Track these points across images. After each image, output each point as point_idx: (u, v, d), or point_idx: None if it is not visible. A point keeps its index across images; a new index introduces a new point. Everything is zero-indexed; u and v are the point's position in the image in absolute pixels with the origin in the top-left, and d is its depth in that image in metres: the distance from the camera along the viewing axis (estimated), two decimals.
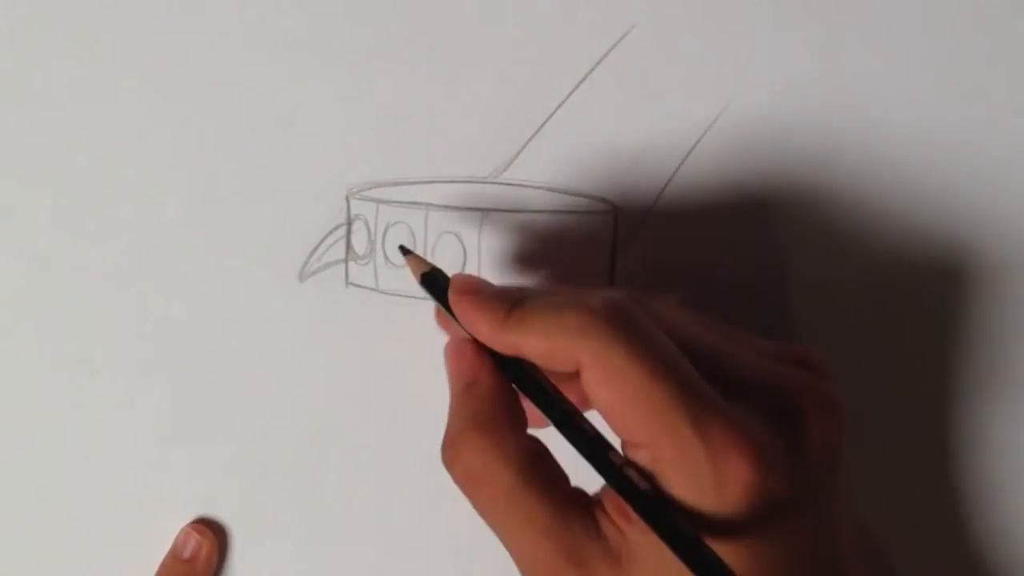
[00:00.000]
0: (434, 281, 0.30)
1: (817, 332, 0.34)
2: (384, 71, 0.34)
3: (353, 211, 0.35)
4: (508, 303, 0.28)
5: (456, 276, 0.30)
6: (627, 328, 0.26)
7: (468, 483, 0.28)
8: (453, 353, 0.30)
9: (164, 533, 0.35)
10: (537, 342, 0.27)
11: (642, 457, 0.26)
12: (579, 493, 0.28)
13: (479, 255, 0.34)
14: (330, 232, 0.35)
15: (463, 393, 0.29)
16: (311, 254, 0.35)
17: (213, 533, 0.35)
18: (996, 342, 0.34)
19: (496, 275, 0.34)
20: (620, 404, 0.26)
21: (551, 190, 0.34)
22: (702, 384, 0.26)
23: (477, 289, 0.29)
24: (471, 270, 0.34)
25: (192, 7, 0.35)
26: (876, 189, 0.34)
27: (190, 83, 0.35)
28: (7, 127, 0.35)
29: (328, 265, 0.35)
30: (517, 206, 0.34)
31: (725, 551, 0.25)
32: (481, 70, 0.34)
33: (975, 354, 0.34)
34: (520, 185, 0.34)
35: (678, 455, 0.25)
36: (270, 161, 0.35)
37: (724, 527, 0.25)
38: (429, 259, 0.34)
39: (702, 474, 0.25)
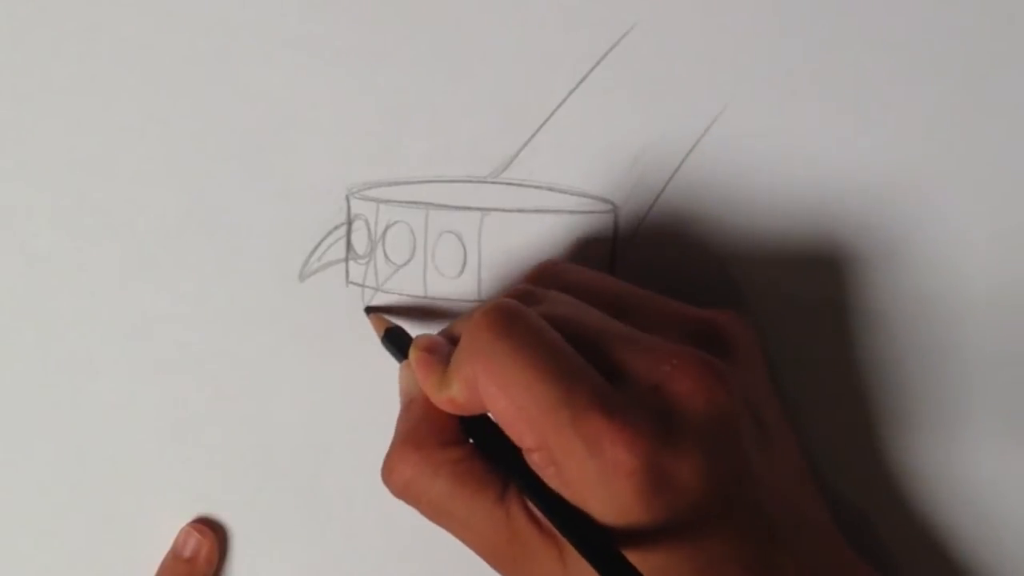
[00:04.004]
0: (396, 337, 0.32)
1: (816, 331, 0.34)
2: (384, 71, 0.34)
3: (353, 211, 0.35)
4: (447, 364, 0.29)
5: (419, 336, 0.31)
6: (507, 329, 0.27)
7: (405, 495, 0.30)
8: (404, 373, 0.32)
9: (164, 533, 0.35)
10: (459, 388, 0.28)
11: (537, 461, 0.27)
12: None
13: (479, 255, 0.34)
14: (330, 232, 0.35)
15: (403, 411, 0.31)
16: (311, 254, 0.35)
17: (213, 533, 0.35)
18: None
19: (496, 275, 0.34)
20: (510, 409, 0.27)
21: (551, 190, 0.34)
22: (587, 375, 0.27)
23: (433, 349, 0.30)
24: (471, 270, 0.34)
25: (192, 7, 0.35)
26: (878, 189, 0.34)
27: (190, 83, 0.35)
28: (7, 127, 0.35)
29: (328, 265, 0.35)
30: (517, 206, 0.34)
31: (646, 550, 0.26)
32: (481, 70, 0.34)
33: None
34: (520, 185, 0.34)
35: (565, 455, 0.26)
36: (270, 161, 0.35)
37: (631, 524, 0.26)
38: (429, 259, 0.34)
39: (588, 470, 0.26)
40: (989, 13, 0.34)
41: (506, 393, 0.27)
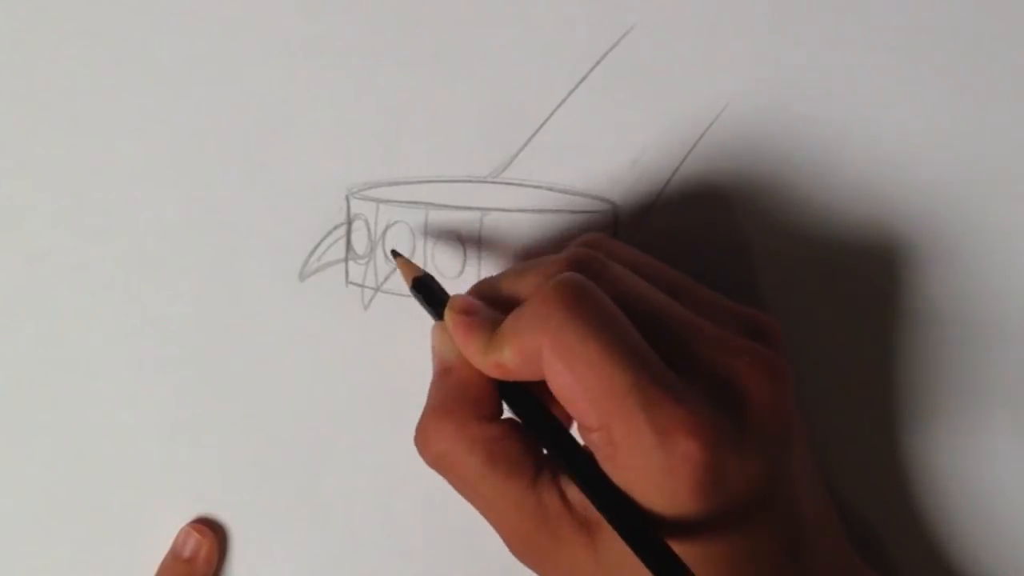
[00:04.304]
0: (424, 287, 0.31)
1: (817, 330, 0.34)
2: (384, 71, 0.34)
3: (353, 211, 0.35)
4: (491, 327, 0.28)
5: (454, 296, 0.30)
6: (580, 307, 0.26)
7: (438, 466, 0.29)
8: (438, 334, 0.30)
9: (164, 533, 0.35)
10: (512, 353, 0.27)
11: (596, 440, 0.27)
12: (548, 463, 0.29)
13: (479, 255, 0.34)
14: (330, 232, 0.35)
15: (439, 377, 0.30)
16: (311, 254, 0.35)
17: (213, 533, 0.35)
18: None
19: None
20: (576, 387, 0.26)
21: (551, 190, 0.34)
22: (654, 362, 0.26)
23: (472, 311, 0.29)
24: (471, 270, 0.34)
25: (192, 7, 0.35)
26: (878, 188, 0.34)
27: (190, 83, 0.35)
28: (7, 127, 0.35)
29: (328, 265, 0.35)
30: (517, 206, 0.34)
31: (687, 541, 0.26)
32: (481, 70, 0.34)
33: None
34: (520, 185, 0.34)
35: (630, 440, 0.26)
36: (270, 161, 0.35)
37: (680, 515, 0.26)
38: (429, 259, 0.34)
39: (652, 458, 0.26)
40: (989, 13, 0.34)
41: (572, 371, 0.26)
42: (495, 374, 0.28)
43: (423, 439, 0.29)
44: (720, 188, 0.34)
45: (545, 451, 0.29)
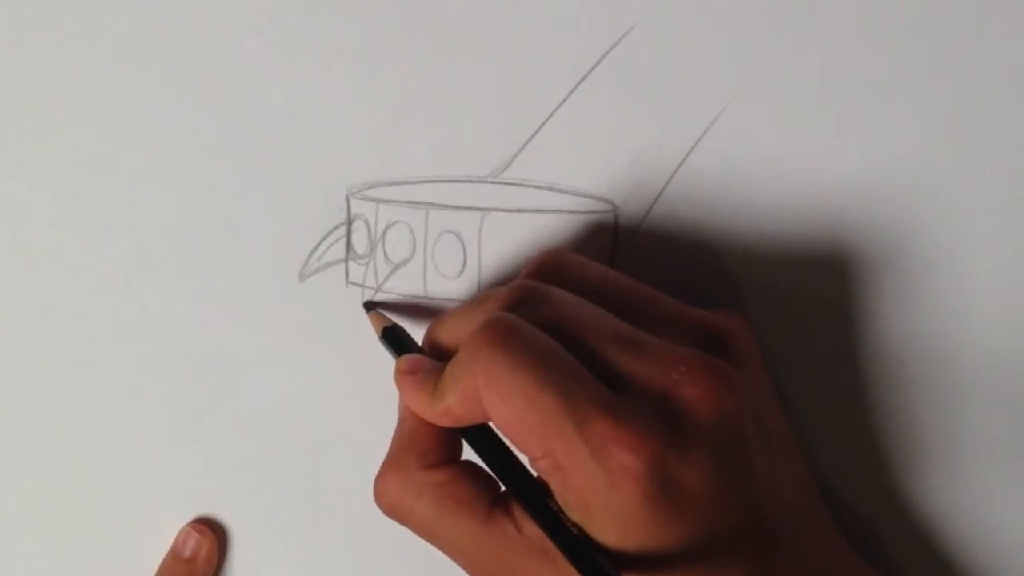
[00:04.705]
0: (393, 336, 0.32)
1: (817, 331, 0.34)
2: (384, 71, 0.34)
3: (353, 211, 0.35)
4: (436, 379, 0.29)
5: (400, 358, 0.31)
6: (507, 342, 0.27)
7: (393, 516, 0.30)
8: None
9: (164, 533, 0.35)
10: (455, 400, 0.28)
11: (544, 468, 0.27)
12: (503, 498, 0.29)
13: (479, 255, 0.34)
14: (330, 232, 0.35)
15: (395, 430, 0.31)
16: (311, 254, 0.35)
17: (213, 533, 0.35)
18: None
19: (496, 275, 0.34)
20: (513, 418, 0.27)
21: (551, 190, 0.34)
22: (588, 382, 0.27)
23: (416, 370, 0.30)
24: (471, 270, 0.34)
25: (192, 7, 0.35)
26: (878, 189, 0.34)
27: (190, 83, 0.35)
28: (7, 127, 0.35)
29: (328, 265, 0.35)
30: (517, 206, 0.34)
31: (653, 555, 0.26)
32: (481, 70, 0.34)
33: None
34: (520, 185, 0.34)
35: (571, 460, 0.26)
36: (270, 161, 0.35)
37: (639, 529, 0.26)
38: (429, 259, 0.34)
39: (594, 475, 0.26)
40: (989, 13, 0.34)
41: (507, 403, 0.27)
42: (446, 422, 0.29)
43: (376, 493, 0.30)
44: (720, 188, 0.34)
45: (503, 487, 0.29)
